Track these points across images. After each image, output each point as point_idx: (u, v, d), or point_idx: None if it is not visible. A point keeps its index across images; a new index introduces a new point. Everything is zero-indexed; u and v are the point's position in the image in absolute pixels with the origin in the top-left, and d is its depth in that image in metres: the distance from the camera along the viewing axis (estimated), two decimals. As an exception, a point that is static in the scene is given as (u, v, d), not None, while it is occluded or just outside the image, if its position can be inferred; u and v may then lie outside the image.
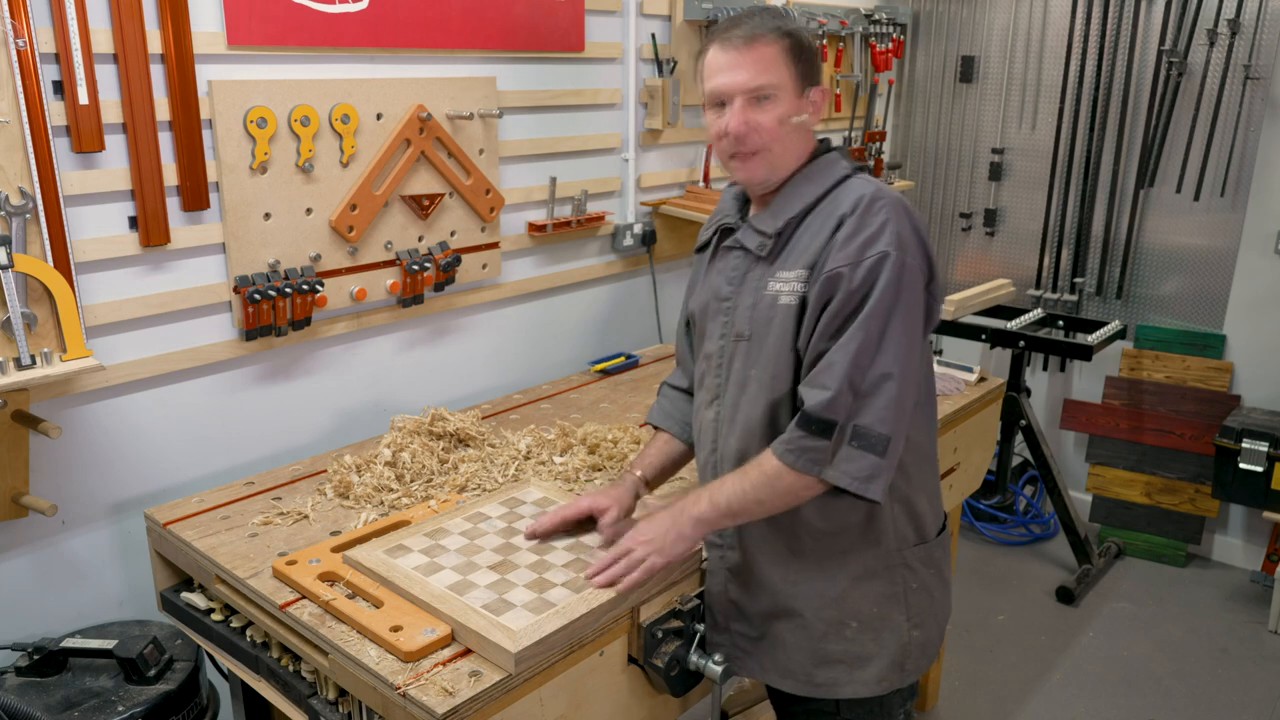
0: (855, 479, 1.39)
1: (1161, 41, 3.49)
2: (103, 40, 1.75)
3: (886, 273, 1.37)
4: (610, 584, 1.48)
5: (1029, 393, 3.58)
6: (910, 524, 1.55)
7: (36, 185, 1.69)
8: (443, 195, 2.35)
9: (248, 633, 1.63)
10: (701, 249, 1.68)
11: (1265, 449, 3.21)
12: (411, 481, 1.91)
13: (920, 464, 1.55)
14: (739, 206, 1.60)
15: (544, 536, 1.65)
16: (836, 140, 3.76)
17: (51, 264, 1.73)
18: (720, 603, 1.61)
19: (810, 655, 1.56)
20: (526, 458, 2.03)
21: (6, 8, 1.60)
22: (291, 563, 1.57)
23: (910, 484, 1.53)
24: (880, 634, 1.55)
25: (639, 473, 1.72)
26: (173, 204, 1.92)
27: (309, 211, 2.10)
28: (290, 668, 1.55)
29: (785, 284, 1.46)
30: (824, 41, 3.48)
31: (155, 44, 1.82)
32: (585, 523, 1.68)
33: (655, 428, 1.80)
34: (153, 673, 1.72)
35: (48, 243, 1.72)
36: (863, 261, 1.37)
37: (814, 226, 1.46)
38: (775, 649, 1.58)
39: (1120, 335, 3.50)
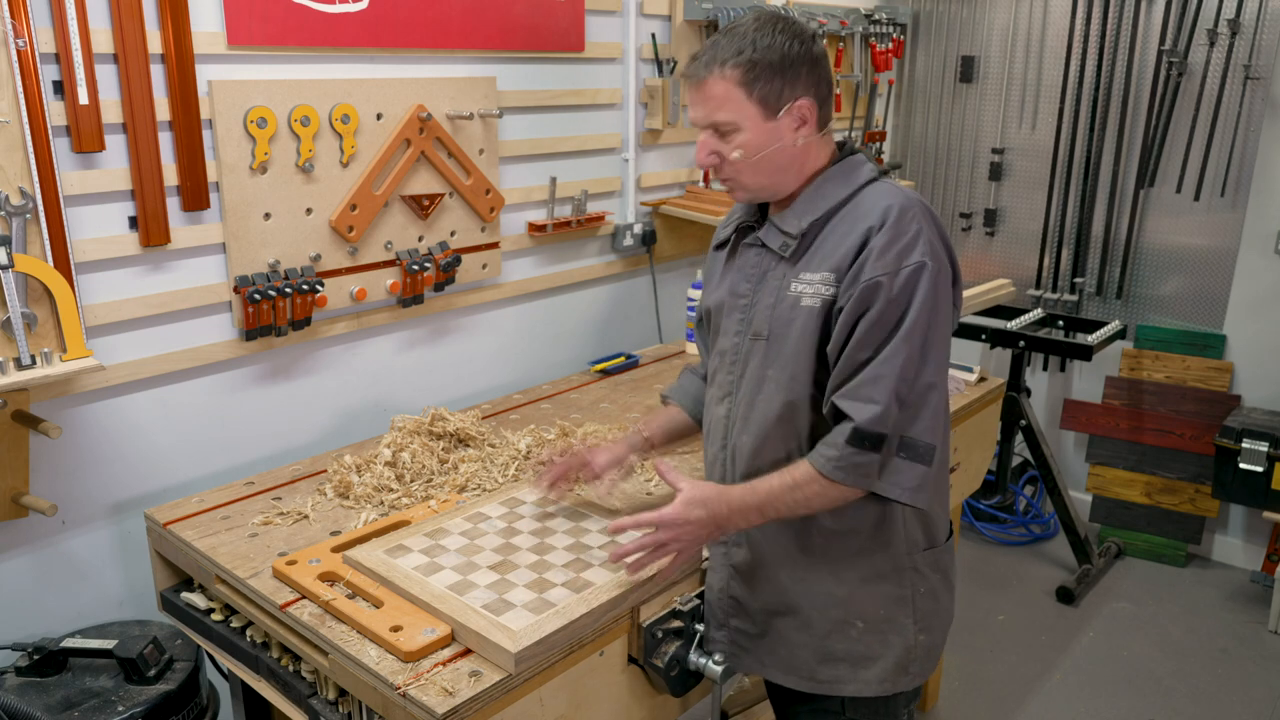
0: (905, 490, 1.40)
1: (1161, 41, 3.49)
2: (103, 40, 1.75)
3: (924, 284, 1.37)
4: (629, 562, 1.48)
5: (1029, 393, 3.58)
6: (921, 528, 1.55)
7: (36, 185, 1.69)
8: (443, 195, 2.35)
9: (248, 633, 1.63)
10: (719, 246, 1.67)
11: (1265, 449, 3.21)
12: (411, 481, 1.91)
13: (938, 469, 1.55)
14: (758, 204, 1.60)
15: (552, 483, 1.75)
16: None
17: (51, 264, 1.73)
18: (720, 599, 1.61)
19: (814, 653, 1.56)
20: (526, 458, 2.03)
21: (6, 8, 1.60)
22: (291, 563, 1.57)
23: None
24: (886, 636, 1.55)
25: (646, 434, 1.76)
26: (173, 204, 1.92)
27: (309, 211, 2.10)
28: (290, 668, 1.55)
29: (809, 285, 1.45)
30: (824, 41, 3.47)
31: (155, 44, 1.82)
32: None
33: (666, 401, 1.83)
34: (153, 673, 1.72)
35: (48, 243, 1.72)
36: (901, 271, 1.37)
37: (840, 230, 1.44)
38: (778, 645, 1.58)
39: (1120, 335, 3.51)
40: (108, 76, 1.78)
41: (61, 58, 1.70)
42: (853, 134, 3.81)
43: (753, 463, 1.52)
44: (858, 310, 1.39)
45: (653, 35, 2.83)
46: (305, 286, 2.09)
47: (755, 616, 1.59)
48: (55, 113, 1.72)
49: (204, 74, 1.90)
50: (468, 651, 1.38)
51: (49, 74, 1.70)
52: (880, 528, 1.51)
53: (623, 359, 2.72)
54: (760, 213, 1.58)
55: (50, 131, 1.69)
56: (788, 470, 1.45)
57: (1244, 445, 3.24)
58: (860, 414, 1.38)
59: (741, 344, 1.54)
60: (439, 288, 2.40)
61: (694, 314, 1.84)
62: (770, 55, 1.40)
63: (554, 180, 2.63)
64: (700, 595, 1.63)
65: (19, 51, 1.63)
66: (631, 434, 1.78)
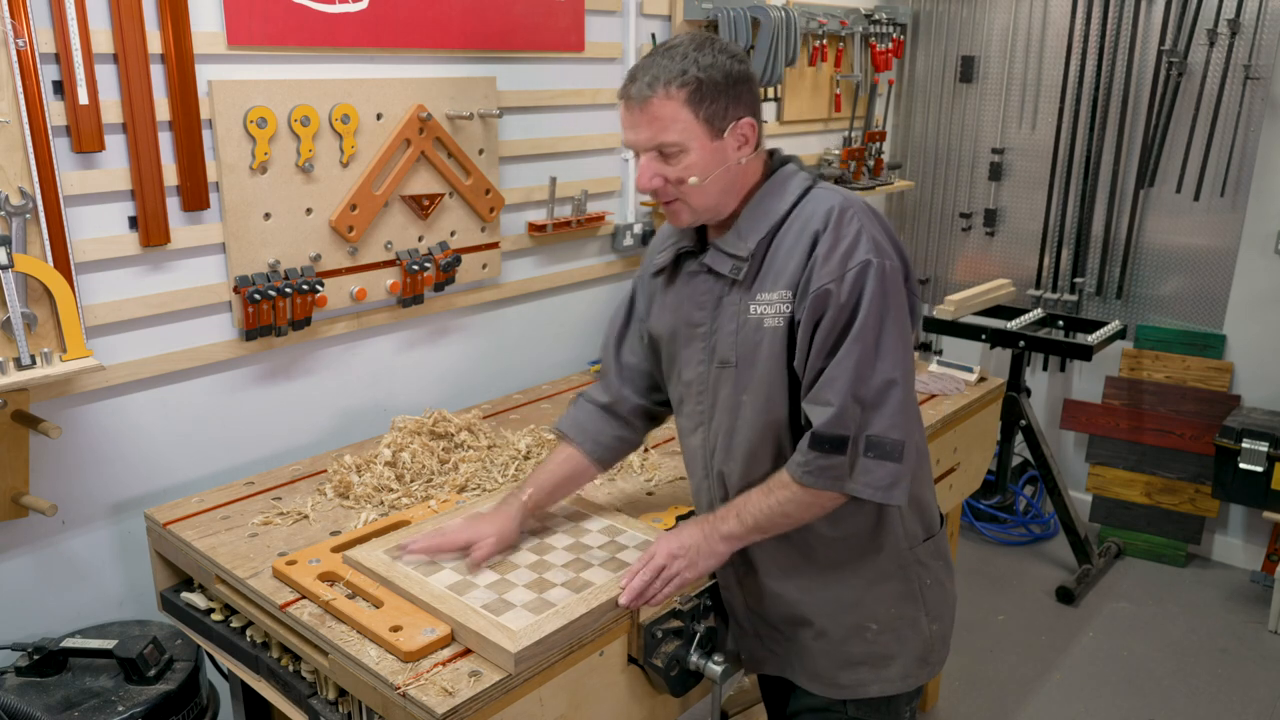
0: (877, 489, 1.39)
1: (1161, 41, 3.48)
2: (103, 40, 1.75)
3: (871, 281, 1.36)
4: (646, 601, 1.48)
5: (1029, 393, 3.58)
6: (918, 520, 1.57)
7: (36, 185, 1.69)
8: (443, 195, 2.35)
9: (248, 633, 1.63)
10: (657, 273, 1.60)
11: (1265, 449, 3.21)
12: (411, 481, 1.91)
13: (919, 460, 1.56)
14: (694, 228, 1.54)
15: (421, 554, 1.57)
16: (836, 141, 3.77)
17: (51, 264, 1.73)
18: (741, 611, 1.63)
19: (834, 660, 1.57)
20: (526, 458, 2.03)
21: (6, 8, 1.60)
22: (291, 563, 1.57)
23: (916, 482, 1.54)
24: (901, 632, 1.56)
25: (526, 495, 1.64)
26: (173, 204, 1.92)
27: (309, 211, 2.10)
28: (290, 668, 1.55)
29: (769, 306, 1.44)
30: (824, 41, 3.48)
31: (155, 44, 1.82)
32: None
33: (562, 436, 1.70)
34: (153, 673, 1.72)
35: (48, 243, 1.72)
36: (847, 274, 1.36)
37: (787, 243, 1.43)
38: (803, 654, 1.59)
39: (1120, 335, 3.50)
40: (108, 76, 1.78)
41: (61, 58, 1.70)
42: (853, 134, 3.81)
43: (744, 488, 1.52)
44: (812, 320, 1.39)
45: (653, 35, 2.83)
46: (305, 286, 2.09)
47: (780, 626, 1.60)
48: (55, 113, 1.72)
49: (204, 74, 1.90)
50: (467, 651, 1.38)
51: (49, 74, 1.70)
52: (879, 528, 1.52)
53: (623, 359, 2.72)
54: (697, 236, 1.54)
55: (50, 131, 1.69)
56: (768, 484, 1.46)
57: (1244, 445, 3.24)
58: (818, 418, 1.38)
59: (708, 373, 1.52)
60: (439, 288, 2.40)
61: (613, 327, 1.71)
62: (714, 74, 1.38)
63: (554, 180, 2.63)
64: (700, 595, 1.63)
65: (19, 51, 1.63)
66: (513, 502, 1.62)
